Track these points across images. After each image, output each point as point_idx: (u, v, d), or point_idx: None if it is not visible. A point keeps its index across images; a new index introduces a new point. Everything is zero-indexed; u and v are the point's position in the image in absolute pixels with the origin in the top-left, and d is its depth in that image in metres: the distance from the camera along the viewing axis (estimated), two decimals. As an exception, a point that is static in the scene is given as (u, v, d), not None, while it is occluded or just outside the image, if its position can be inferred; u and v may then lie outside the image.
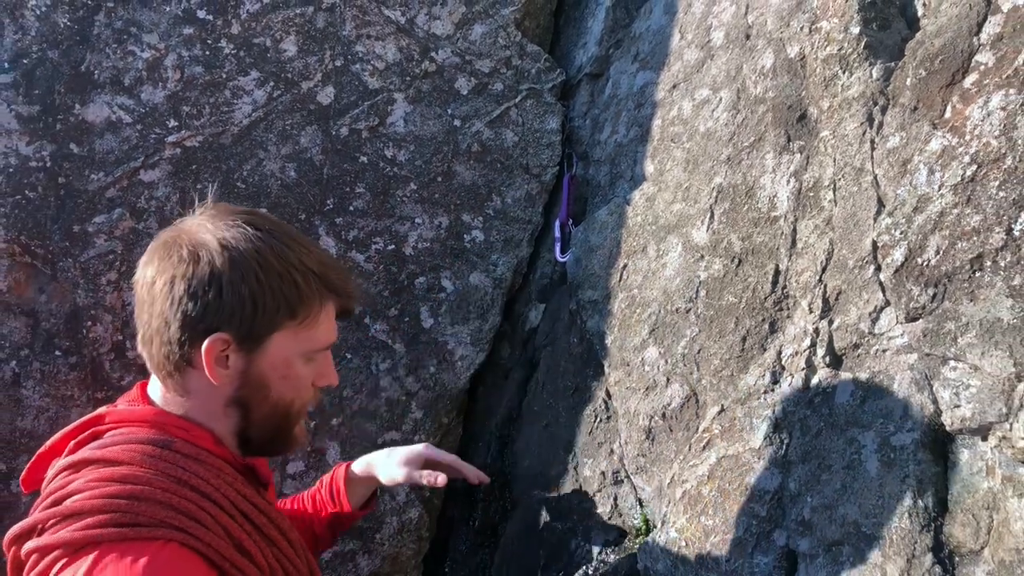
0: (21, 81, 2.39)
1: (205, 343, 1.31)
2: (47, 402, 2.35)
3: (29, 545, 1.19)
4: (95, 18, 2.47)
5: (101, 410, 1.39)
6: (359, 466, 1.87)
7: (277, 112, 2.53)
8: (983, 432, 1.24)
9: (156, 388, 1.40)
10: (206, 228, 1.34)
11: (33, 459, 1.37)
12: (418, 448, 1.87)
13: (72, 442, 1.33)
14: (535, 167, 2.64)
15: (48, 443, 1.37)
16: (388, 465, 1.85)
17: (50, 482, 1.29)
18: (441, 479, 1.80)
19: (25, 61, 2.40)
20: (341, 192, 2.54)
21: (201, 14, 2.52)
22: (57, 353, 2.36)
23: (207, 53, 2.51)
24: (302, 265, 1.36)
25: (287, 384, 1.41)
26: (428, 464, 1.88)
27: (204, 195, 2.45)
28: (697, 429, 1.77)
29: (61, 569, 1.15)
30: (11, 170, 2.35)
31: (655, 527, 1.79)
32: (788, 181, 1.75)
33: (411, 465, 1.84)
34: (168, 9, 2.51)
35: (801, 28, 1.83)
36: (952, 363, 1.30)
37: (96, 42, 2.46)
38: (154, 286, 1.31)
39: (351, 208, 2.54)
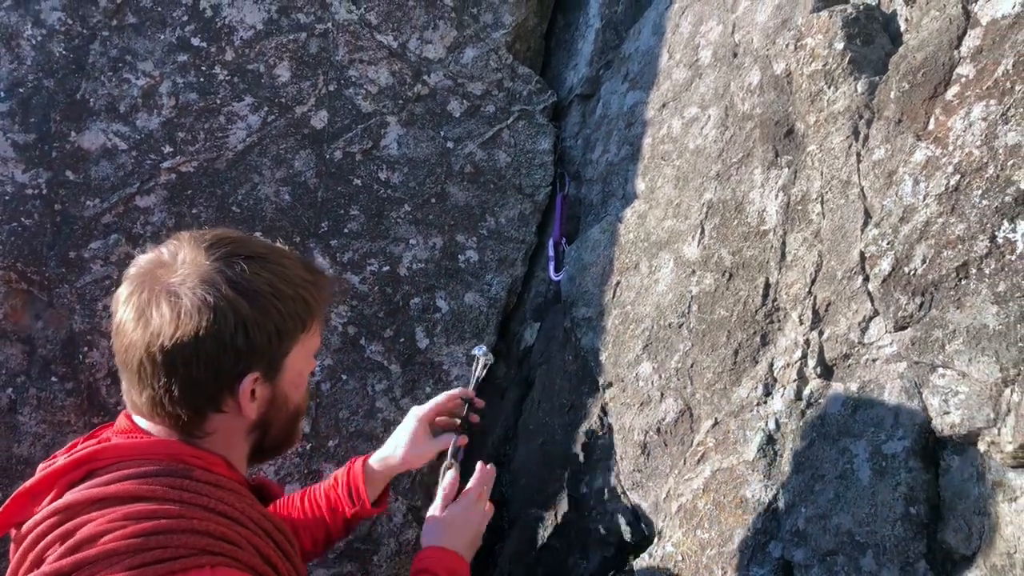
0: (17, 109, 2.42)
1: (241, 387, 1.30)
2: (44, 428, 2.35)
3: None
4: (90, 47, 2.50)
5: (90, 447, 1.30)
6: (376, 462, 1.87)
7: (271, 137, 2.55)
8: (972, 438, 1.25)
9: (150, 424, 1.34)
10: (199, 270, 1.27)
11: (9, 500, 1.27)
12: (412, 422, 1.89)
13: (61, 481, 1.25)
14: (528, 187, 2.66)
15: (29, 483, 1.27)
16: (408, 454, 1.86)
17: (38, 526, 1.21)
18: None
19: (21, 90, 2.43)
20: (335, 215, 2.55)
21: (195, 41, 2.55)
22: (53, 379, 2.37)
23: (201, 80, 2.54)
24: (301, 280, 1.37)
25: (299, 391, 1.45)
26: (434, 424, 1.93)
27: (199, 220, 2.48)
28: (691, 443, 1.78)
29: None
30: (7, 198, 2.37)
31: (652, 542, 1.79)
32: (776, 195, 1.77)
33: (426, 439, 1.88)
34: (162, 37, 2.54)
35: (787, 45, 1.86)
36: (940, 370, 1.31)
37: (91, 70, 2.49)
38: (169, 349, 1.24)
39: (346, 230, 2.56)
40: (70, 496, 1.21)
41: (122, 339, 1.29)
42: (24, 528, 1.23)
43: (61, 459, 1.30)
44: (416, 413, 1.91)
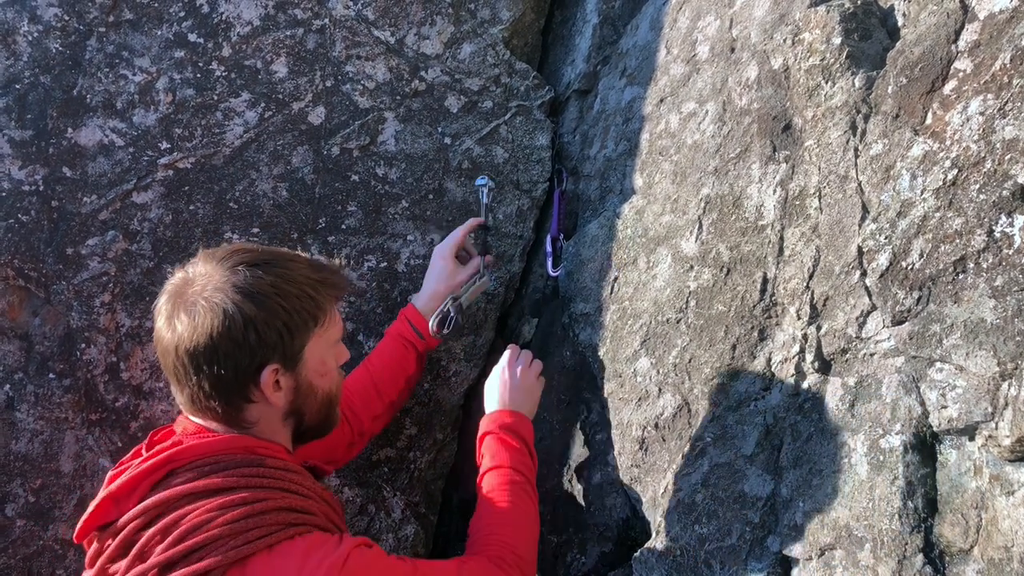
0: (13, 106, 2.41)
1: (262, 378, 1.48)
2: (41, 425, 2.35)
3: None
4: (87, 43, 2.49)
5: (168, 450, 1.46)
6: (422, 305, 2.24)
7: (268, 133, 2.55)
8: (970, 432, 1.25)
9: (206, 421, 1.53)
10: (213, 280, 1.46)
11: (96, 506, 1.43)
12: (439, 262, 2.29)
13: (144, 483, 1.42)
14: (526, 183, 2.66)
15: (113, 488, 1.44)
16: (447, 286, 2.26)
17: (132, 521, 1.38)
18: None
19: (17, 86, 2.42)
20: (333, 211, 2.55)
21: (192, 37, 2.55)
22: (51, 376, 2.36)
23: (198, 76, 2.53)
24: (307, 279, 1.54)
25: (326, 379, 1.62)
26: (460, 255, 2.34)
27: (196, 216, 2.48)
28: (689, 438, 1.78)
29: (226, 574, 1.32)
30: (4, 194, 2.37)
31: (650, 537, 1.80)
32: (774, 190, 1.77)
33: (456, 269, 2.29)
34: (159, 33, 2.53)
35: (784, 40, 1.86)
36: (938, 364, 1.31)
37: (88, 67, 2.48)
38: (196, 351, 1.44)
39: (343, 226, 2.55)
40: (162, 494, 1.39)
41: (158, 346, 1.51)
42: (118, 524, 1.40)
43: (133, 466, 1.46)
44: (440, 252, 2.30)
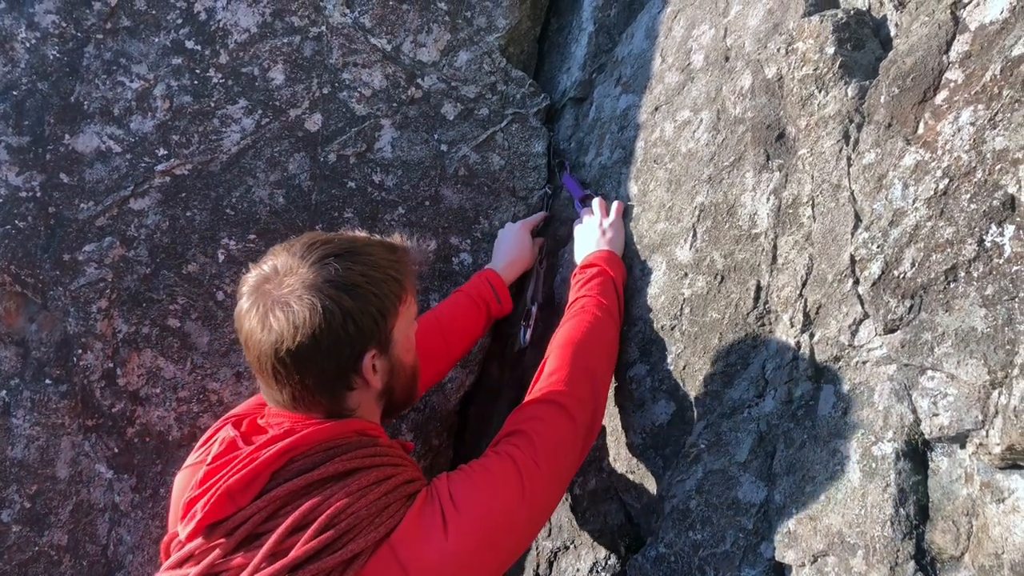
0: (11, 112, 2.42)
1: (362, 365, 1.50)
2: (37, 431, 2.35)
3: (315, 566, 1.32)
4: (84, 50, 2.50)
5: (278, 437, 1.45)
6: (501, 270, 2.37)
7: (265, 139, 2.55)
8: (961, 439, 1.26)
9: (314, 414, 1.53)
10: (300, 279, 1.45)
11: (213, 503, 1.39)
12: (523, 235, 2.46)
13: (265, 472, 1.42)
14: (521, 190, 2.67)
15: (232, 481, 1.40)
16: (530, 257, 2.46)
17: (257, 513, 1.37)
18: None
19: (15, 93, 2.43)
20: (330, 217, 2.56)
21: (190, 44, 2.56)
22: (47, 382, 2.37)
23: (196, 83, 2.54)
24: (387, 261, 1.56)
25: (411, 353, 1.67)
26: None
27: (193, 222, 2.48)
28: (684, 444, 1.79)
29: (375, 552, 1.37)
30: (1, 200, 2.37)
31: (644, 543, 1.80)
32: (768, 199, 1.78)
33: (532, 243, 2.48)
34: (157, 40, 2.54)
35: (778, 49, 1.88)
36: (930, 372, 1.32)
37: (86, 73, 2.49)
38: (294, 350, 1.43)
39: (340, 233, 2.56)
40: (287, 484, 1.40)
41: (252, 349, 1.48)
42: (236, 517, 1.38)
43: (240, 461, 1.43)
44: (522, 226, 2.48)
